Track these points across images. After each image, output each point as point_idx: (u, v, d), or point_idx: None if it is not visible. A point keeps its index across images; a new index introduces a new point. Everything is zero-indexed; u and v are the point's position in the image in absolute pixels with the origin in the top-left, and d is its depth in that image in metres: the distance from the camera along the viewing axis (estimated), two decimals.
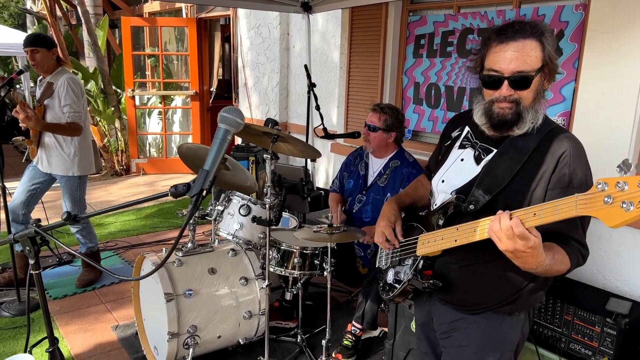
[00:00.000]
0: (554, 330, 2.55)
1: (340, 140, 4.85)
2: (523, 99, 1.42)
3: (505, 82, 1.40)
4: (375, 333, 3.27)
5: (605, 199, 1.06)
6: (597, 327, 2.38)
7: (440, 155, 1.75)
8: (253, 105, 6.38)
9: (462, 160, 1.61)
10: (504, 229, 1.23)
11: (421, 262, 1.59)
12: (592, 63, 2.89)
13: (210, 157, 1.05)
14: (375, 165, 3.16)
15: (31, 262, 1.35)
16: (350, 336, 3.06)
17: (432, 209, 1.67)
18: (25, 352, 1.55)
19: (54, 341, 1.43)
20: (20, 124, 3.41)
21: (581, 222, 1.43)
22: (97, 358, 3.00)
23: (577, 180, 1.42)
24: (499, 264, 1.47)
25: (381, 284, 1.78)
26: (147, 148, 8.05)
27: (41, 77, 3.64)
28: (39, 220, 1.32)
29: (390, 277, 1.73)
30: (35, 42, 3.42)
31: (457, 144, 1.66)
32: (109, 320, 3.41)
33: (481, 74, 1.47)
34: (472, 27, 3.66)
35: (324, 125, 3.37)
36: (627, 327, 2.29)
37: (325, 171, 5.37)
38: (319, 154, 2.67)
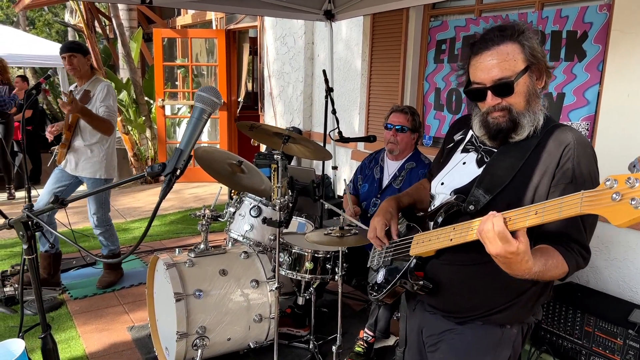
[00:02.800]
0: (574, 342, 2.42)
1: (361, 148, 4.81)
2: (514, 105, 1.38)
3: (489, 92, 1.37)
4: (390, 342, 3.19)
5: (614, 195, 0.99)
6: (619, 339, 2.25)
7: (442, 158, 1.70)
8: (278, 114, 6.43)
9: (464, 163, 1.56)
10: (485, 230, 1.17)
11: (414, 261, 1.52)
12: (617, 64, 2.78)
13: (186, 136, 1.03)
14: (391, 168, 3.11)
15: (24, 246, 1.37)
16: (362, 342, 2.99)
17: (430, 210, 1.61)
18: (18, 337, 1.56)
19: (46, 327, 1.43)
20: (49, 130, 3.59)
21: (584, 224, 1.34)
22: (110, 357, 3.03)
23: (582, 175, 1.34)
24: (492, 266, 1.39)
25: (370, 284, 1.71)
26: None
27: (76, 84, 3.78)
28: (31, 205, 1.33)
29: (380, 277, 1.66)
30: (73, 48, 3.59)
31: (461, 147, 1.62)
32: (125, 321, 3.45)
33: (467, 89, 1.46)
34: None
35: (339, 129, 3.35)
36: None
37: (348, 179, 5.33)
38: (329, 155, 2.65)
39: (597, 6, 2.96)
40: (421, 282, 1.47)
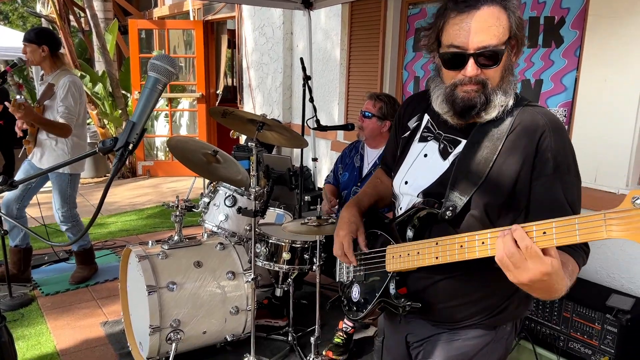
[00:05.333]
0: (552, 328, 2.41)
1: (341, 138, 4.76)
2: (490, 79, 1.21)
3: (471, 60, 1.18)
4: (369, 332, 3.16)
5: None
6: (597, 324, 2.24)
7: (398, 149, 1.50)
8: (257, 106, 6.34)
9: (425, 155, 1.39)
10: (508, 255, 0.99)
11: (394, 279, 1.36)
12: (594, 49, 2.77)
13: (139, 108, 0.96)
14: (370, 156, 3.07)
15: None
16: (342, 334, 2.95)
17: (397, 215, 1.44)
18: None
19: (0, 319, 1.35)
20: (18, 125, 3.46)
21: (572, 207, 1.23)
22: (82, 354, 2.93)
23: (563, 165, 1.21)
24: (484, 273, 1.27)
25: (345, 302, 1.54)
26: (155, 151, 8.07)
27: (42, 73, 3.65)
28: None
29: (355, 294, 1.49)
30: (25, 37, 3.45)
31: (417, 136, 1.43)
32: (99, 317, 3.35)
33: (439, 51, 1.24)
34: None
35: (316, 117, 3.29)
36: (629, 324, 2.15)
37: (328, 171, 5.28)
38: (305, 143, 2.59)
39: None
40: (408, 303, 1.31)
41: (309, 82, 3.54)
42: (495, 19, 1.17)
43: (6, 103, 3.31)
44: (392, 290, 1.35)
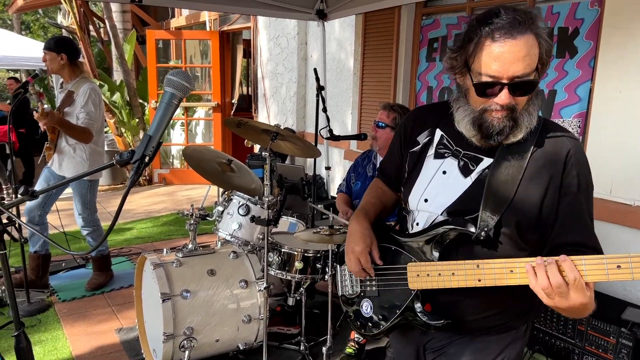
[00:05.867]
0: (567, 342, 2.38)
1: (354, 147, 4.78)
2: (519, 104, 1.22)
3: (505, 90, 1.18)
4: (382, 343, 3.14)
5: None
6: (612, 337, 2.21)
7: (405, 163, 1.48)
8: (272, 115, 6.39)
9: (444, 172, 1.37)
10: (556, 285, 1.04)
11: (419, 297, 1.32)
12: (609, 60, 2.75)
13: (155, 122, 0.99)
14: None
15: None
16: (354, 344, 2.95)
17: (413, 230, 1.41)
18: None
19: (19, 325, 1.39)
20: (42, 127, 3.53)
21: (592, 227, 1.28)
22: None
23: (584, 182, 1.27)
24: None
25: (352, 316, 1.49)
26: (171, 159, 8.16)
27: (62, 80, 3.73)
28: (2, 198, 1.29)
29: (366, 309, 1.44)
30: (45, 46, 3.55)
31: (431, 152, 1.41)
32: (114, 324, 3.39)
33: (472, 78, 1.23)
34: None
35: (329, 127, 3.31)
36: None
37: (341, 179, 5.29)
38: (318, 153, 2.61)
39: (589, 2, 2.93)
40: (441, 321, 1.29)
41: (323, 92, 3.57)
42: (529, 47, 1.17)
43: (34, 112, 3.39)
44: (418, 309, 1.33)
